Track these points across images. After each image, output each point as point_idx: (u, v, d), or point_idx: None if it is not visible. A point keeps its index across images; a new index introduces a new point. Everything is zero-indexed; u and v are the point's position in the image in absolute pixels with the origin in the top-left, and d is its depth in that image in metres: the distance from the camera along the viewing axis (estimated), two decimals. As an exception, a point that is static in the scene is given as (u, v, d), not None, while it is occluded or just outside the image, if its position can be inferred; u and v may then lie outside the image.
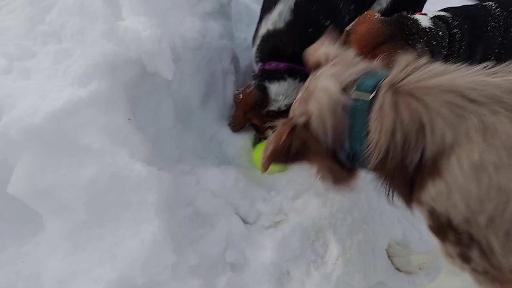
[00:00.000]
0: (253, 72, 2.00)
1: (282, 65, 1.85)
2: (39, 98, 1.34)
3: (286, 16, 1.82)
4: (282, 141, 1.19)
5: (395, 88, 1.04)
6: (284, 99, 1.86)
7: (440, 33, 1.57)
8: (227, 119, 2.08)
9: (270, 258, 1.55)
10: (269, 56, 1.89)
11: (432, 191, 1.01)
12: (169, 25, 1.84)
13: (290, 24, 1.83)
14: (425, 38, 1.55)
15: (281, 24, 1.83)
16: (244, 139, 2.03)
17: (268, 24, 1.87)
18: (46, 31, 1.63)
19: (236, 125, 2.00)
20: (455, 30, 1.63)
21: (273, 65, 1.87)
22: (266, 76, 1.88)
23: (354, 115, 1.11)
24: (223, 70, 2.08)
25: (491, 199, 0.93)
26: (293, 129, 1.19)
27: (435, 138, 0.97)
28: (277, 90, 1.84)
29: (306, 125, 1.16)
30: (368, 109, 1.08)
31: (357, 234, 1.62)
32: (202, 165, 1.86)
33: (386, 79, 1.08)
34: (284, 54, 1.85)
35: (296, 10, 1.83)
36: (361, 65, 1.19)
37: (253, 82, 1.93)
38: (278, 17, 1.84)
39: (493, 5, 1.79)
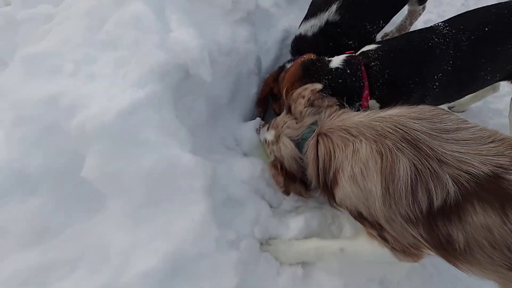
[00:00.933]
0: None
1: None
2: (108, 99, 1.61)
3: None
4: (279, 175, 1.82)
5: (320, 132, 1.62)
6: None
7: (349, 71, 1.99)
8: (249, 114, 2.37)
9: (292, 236, 1.84)
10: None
11: (338, 195, 1.55)
12: (207, 33, 2.09)
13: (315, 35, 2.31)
14: (329, 77, 1.99)
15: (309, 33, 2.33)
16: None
17: (301, 29, 2.39)
18: (104, 40, 1.88)
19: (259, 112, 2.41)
20: (373, 63, 2.00)
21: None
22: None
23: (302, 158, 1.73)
24: (248, 71, 2.35)
25: (365, 196, 1.44)
26: (281, 166, 1.81)
27: (335, 160, 1.52)
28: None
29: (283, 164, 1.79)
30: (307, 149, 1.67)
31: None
32: (232, 156, 2.13)
33: (317, 127, 1.68)
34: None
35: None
36: (306, 120, 1.75)
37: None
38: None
39: (442, 25, 2.06)
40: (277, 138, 1.83)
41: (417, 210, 1.34)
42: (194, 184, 1.63)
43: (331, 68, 2.03)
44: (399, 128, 1.41)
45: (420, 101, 2.06)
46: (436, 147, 1.35)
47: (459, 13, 2.14)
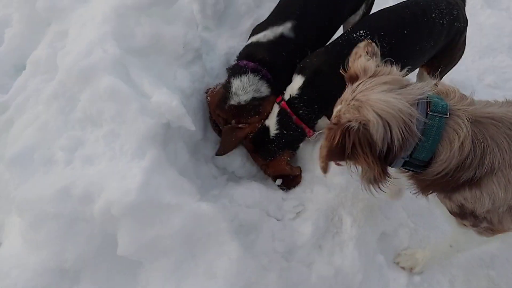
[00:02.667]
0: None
1: (251, 64, 2.29)
2: (120, 178, 1.71)
3: (269, 37, 2.34)
4: (335, 142, 1.31)
5: (471, 118, 1.28)
6: (244, 94, 2.25)
7: (285, 131, 2.22)
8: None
9: (307, 239, 2.10)
10: (244, 57, 2.37)
11: (468, 195, 1.35)
12: (168, 82, 2.21)
13: (269, 42, 2.34)
14: (274, 144, 2.24)
15: (263, 40, 2.34)
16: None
17: (253, 39, 2.40)
18: (83, 119, 1.94)
19: (214, 128, 2.45)
20: (301, 111, 2.19)
21: (244, 62, 2.31)
22: (234, 70, 2.32)
23: (428, 131, 1.30)
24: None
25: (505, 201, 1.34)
26: (345, 131, 1.30)
27: (488, 162, 1.27)
28: (238, 85, 2.25)
29: (360, 130, 1.29)
30: (443, 128, 1.29)
31: (360, 203, 2.22)
32: (226, 186, 2.32)
33: (455, 105, 1.33)
34: (256, 58, 2.32)
35: (278, 40, 2.32)
36: (418, 88, 1.36)
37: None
38: (262, 36, 2.36)
39: (363, 34, 2.16)
40: (360, 101, 1.34)
41: None
42: (220, 227, 1.81)
43: (272, 137, 2.24)
44: None
45: None
46: None
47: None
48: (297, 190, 2.31)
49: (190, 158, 2.32)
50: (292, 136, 2.26)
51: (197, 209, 1.79)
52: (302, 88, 2.18)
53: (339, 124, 1.34)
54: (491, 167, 1.27)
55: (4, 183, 1.97)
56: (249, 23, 3.00)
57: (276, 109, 2.24)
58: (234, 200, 2.19)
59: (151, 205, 1.70)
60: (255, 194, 2.21)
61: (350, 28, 2.35)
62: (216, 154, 2.36)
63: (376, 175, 1.37)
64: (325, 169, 1.45)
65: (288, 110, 2.20)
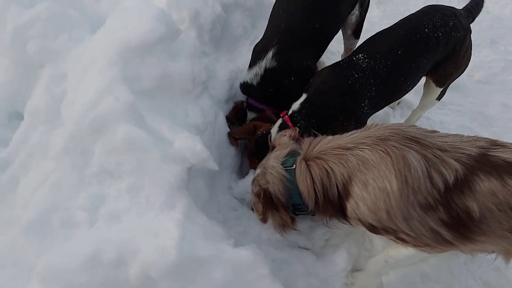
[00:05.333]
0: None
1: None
2: (153, 236, 1.61)
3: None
4: (263, 202, 1.85)
5: (306, 158, 1.73)
6: None
7: None
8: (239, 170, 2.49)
9: (341, 268, 2.04)
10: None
11: (349, 208, 1.63)
12: (180, 120, 2.10)
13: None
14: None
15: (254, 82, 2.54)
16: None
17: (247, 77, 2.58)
18: (99, 173, 1.82)
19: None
20: (298, 124, 2.30)
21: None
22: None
23: (288, 181, 1.78)
24: (223, 133, 2.45)
25: (380, 199, 1.54)
26: (265, 192, 1.84)
27: (339, 176, 1.61)
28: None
29: (268, 190, 1.83)
30: (293, 176, 1.76)
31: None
32: (248, 220, 2.24)
33: (300, 155, 1.78)
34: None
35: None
36: (287, 149, 1.89)
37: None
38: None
39: (361, 57, 2.28)
40: (264, 168, 1.89)
41: (435, 193, 1.50)
42: (261, 273, 1.73)
43: None
44: (397, 132, 1.59)
45: (357, 122, 2.30)
46: (433, 141, 1.57)
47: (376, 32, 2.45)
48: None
49: (209, 193, 2.23)
50: None
51: (236, 257, 1.70)
52: (302, 104, 2.31)
53: (260, 189, 1.87)
54: (341, 180, 1.62)
55: (19, 249, 1.82)
56: (247, 44, 2.95)
57: (279, 121, 2.36)
58: (261, 236, 2.12)
59: (191, 260, 1.60)
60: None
61: (352, 53, 2.42)
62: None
63: (286, 223, 1.95)
64: (263, 221, 1.92)
65: (289, 123, 2.31)
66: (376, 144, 1.56)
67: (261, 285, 1.73)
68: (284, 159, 1.85)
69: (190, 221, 1.71)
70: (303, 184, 1.73)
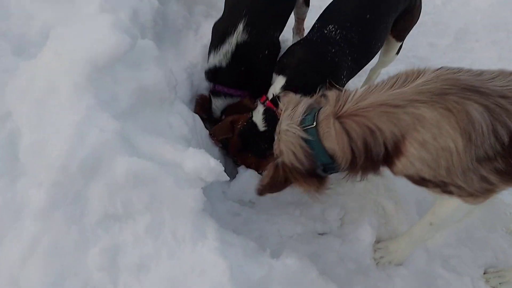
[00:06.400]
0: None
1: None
2: (200, 276, 1.42)
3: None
4: (270, 176, 1.68)
5: (337, 115, 1.50)
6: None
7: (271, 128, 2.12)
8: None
9: (368, 243, 2.02)
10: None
11: (399, 165, 1.50)
12: (167, 132, 1.85)
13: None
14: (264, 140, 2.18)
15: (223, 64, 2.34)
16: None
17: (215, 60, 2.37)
18: (101, 219, 1.53)
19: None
20: None
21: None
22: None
23: (311, 142, 1.57)
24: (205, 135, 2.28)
25: (440, 157, 1.43)
26: (276, 166, 1.65)
27: (389, 136, 1.44)
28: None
29: (283, 162, 1.62)
30: (317, 135, 1.56)
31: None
32: (257, 221, 2.10)
33: (322, 111, 1.58)
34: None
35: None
36: (302, 106, 1.64)
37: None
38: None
39: (333, 29, 2.21)
40: (278, 134, 1.68)
41: (498, 146, 1.41)
42: (312, 276, 1.65)
43: (262, 132, 2.17)
44: (453, 83, 1.42)
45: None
46: (491, 87, 1.41)
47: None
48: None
49: (209, 206, 2.04)
50: None
51: (285, 270, 1.59)
52: (284, 88, 2.15)
53: (272, 160, 1.69)
54: (392, 139, 1.44)
55: None
56: (190, 34, 2.73)
57: (260, 108, 2.18)
58: (282, 235, 2.01)
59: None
60: (300, 220, 2.05)
61: (316, 24, 2.32)
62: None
63: (314, 189, 1.67)
64: (261, 194, 1.76)
65: (274, 108, 2.13)
66: (434, 102, 1.39)
67: (316, 288, 1.63)
68: (301, 118, 1.60)
69: (227, 245, 1.53)
70: (336, 144, 1.51)
